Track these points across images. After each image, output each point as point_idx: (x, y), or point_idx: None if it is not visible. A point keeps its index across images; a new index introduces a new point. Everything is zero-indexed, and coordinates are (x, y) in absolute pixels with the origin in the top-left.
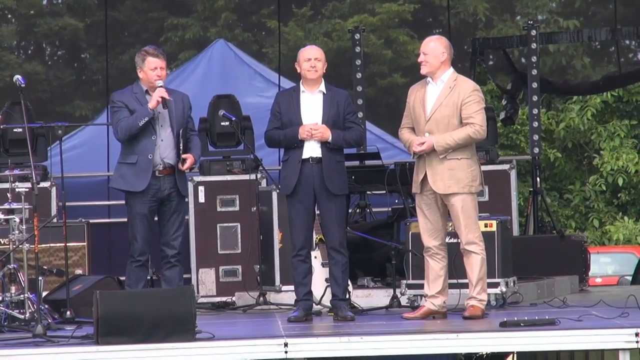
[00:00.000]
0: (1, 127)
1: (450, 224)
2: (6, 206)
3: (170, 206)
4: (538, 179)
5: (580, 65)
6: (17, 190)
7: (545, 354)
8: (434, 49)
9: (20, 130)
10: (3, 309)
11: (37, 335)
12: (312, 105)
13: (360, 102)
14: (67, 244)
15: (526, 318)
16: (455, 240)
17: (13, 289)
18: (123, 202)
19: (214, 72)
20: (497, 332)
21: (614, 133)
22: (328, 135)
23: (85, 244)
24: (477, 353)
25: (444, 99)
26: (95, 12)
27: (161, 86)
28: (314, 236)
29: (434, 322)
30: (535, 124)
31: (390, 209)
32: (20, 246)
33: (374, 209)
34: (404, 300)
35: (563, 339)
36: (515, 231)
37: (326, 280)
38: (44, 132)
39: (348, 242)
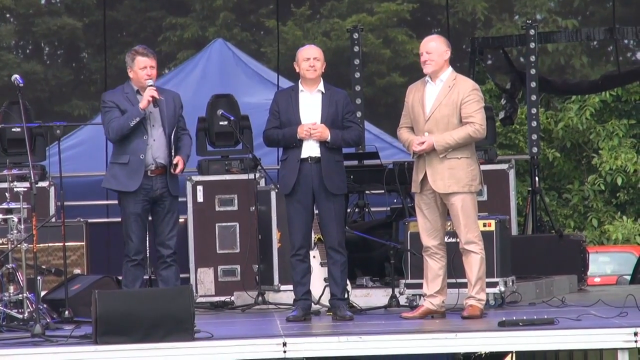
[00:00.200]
0: None
1: (449, 224)
2: (4, 206)
3: (163, 206)
4: (537, 178)
5: (578, 65)
6: (15, 189)
7: (544, 354)
8: (438, 48)
9: (18, 129)
10: (2, 308)
11: (35, 334)
12: (310, 105)
13: (358, 101)
14: (66, 244)
15: (525, 317)
16: (454, 240)
17: (12, 288)
18: None
19: (212, 71)
20: (495, 331)
21: (612, 132)
22: (327, 134)
23: (83, 243)
24: (476, 353)
25: (444, 99)
26: (94, 11)
27: (151, 85)
28: (313, 236)
29: (433, 321)
30: (534, 124)
31: (389, 208)
32: (19, 246)
33: (372, 209)
34: (402, 300)
35: (562, 338)
36: (514, 231)
37: (325, 279)
38: (42, 131)
39: (347, 242)
